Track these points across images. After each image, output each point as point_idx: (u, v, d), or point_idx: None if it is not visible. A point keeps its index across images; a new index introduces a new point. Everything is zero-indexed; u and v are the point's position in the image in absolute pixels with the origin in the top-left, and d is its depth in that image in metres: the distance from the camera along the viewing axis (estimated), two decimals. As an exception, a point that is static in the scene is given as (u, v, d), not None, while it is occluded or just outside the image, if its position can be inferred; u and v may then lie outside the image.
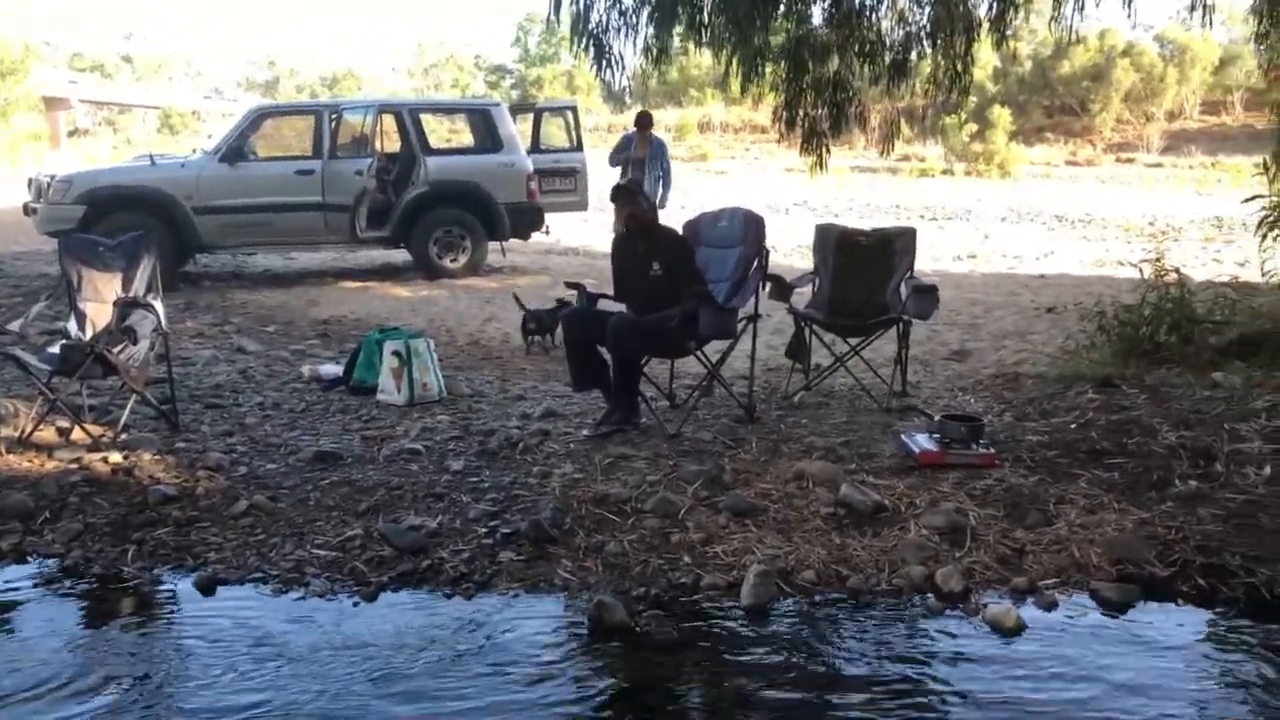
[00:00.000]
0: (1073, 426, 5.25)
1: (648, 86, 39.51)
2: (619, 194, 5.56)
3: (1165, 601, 3.71)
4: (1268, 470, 4.53)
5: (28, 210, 10.92)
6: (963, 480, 4.56)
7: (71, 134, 41.25)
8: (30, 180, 11.35)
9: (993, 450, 4.83)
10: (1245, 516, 4.16)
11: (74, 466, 4.71)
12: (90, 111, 49.77)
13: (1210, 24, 7.33)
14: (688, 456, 4.87)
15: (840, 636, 3.49)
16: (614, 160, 11.03)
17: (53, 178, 10.74)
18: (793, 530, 4.12)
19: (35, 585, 3.81)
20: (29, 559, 3.99)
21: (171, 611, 3.71)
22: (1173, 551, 3.92)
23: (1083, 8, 6.83)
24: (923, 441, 4.86)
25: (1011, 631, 3.47)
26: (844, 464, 4.78)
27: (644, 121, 11.14)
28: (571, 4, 6.54)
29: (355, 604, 3.66)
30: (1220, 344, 6.26)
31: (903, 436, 5.04)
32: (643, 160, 10.71)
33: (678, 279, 5.31)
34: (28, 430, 5.05)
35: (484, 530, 4.10)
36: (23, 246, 12.80)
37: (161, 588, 3.81)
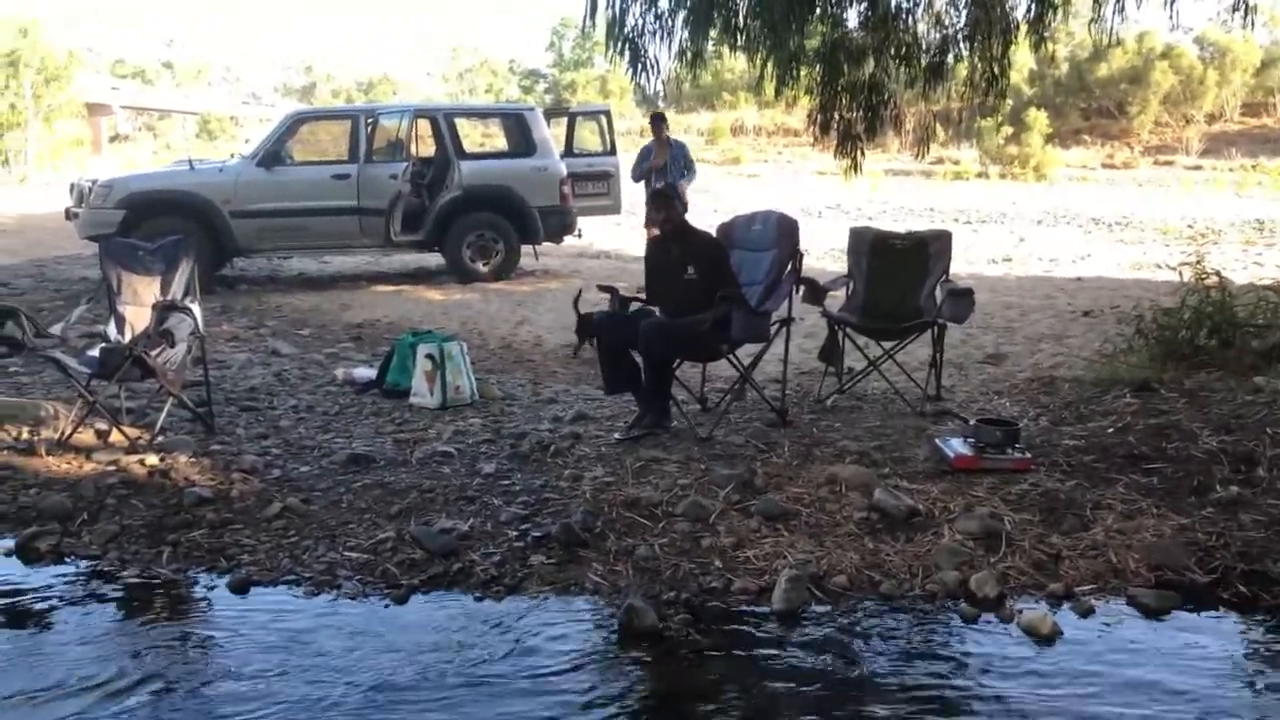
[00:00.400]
0: (1110, 431, 5.18)
1: (681, 90, 39.50)
2: (656, 199, 5.58)
3: (1205, 609, 3.65)
4: (1312, 476, 4.45)
5: (69, 215, 11.09)
6: (998, 485, 4.51)
7: (113, 139, 41.85)
8: (72, 185, 11.53)
9: (1028, 455, 4.78)
10: (1288, 523, 4.08)
11: (111, 468, 4.77)
12: (131, 117, 50.48)
13: (1253, 25, 7.21)
14: (719, 460, 4.85)
15: (872, 642, 3.46)
16: (636, 174, 10.98)
17: (94, 183, 10.90)
18: (825, 535, 4.09)
19: (72, 586, 3.85)
20: (66, 560, 4.04)
21: (205, 613, 3.74)
22: (1213, 558, 3.86)
23: (1123, 9, 6.74)
24: (957, 446, 4.82)
25: (1047, 638, 3.42)
26: (877, 468, 4.74)
27: (657, 124, 10.96)
28: (607, 8, 6.54)
29: (386, 606, 3.67)
30: (1262, 348, 6.15)
31: (937, 441, 4.99)
32: (664, 167, 10.53)
33: (712, 283, 5.30)
34: (67, 432, 5.13)
35: (515, 533, 4.11)
36: (65, 251, 13.00)
37: (195, 589, 3.84)
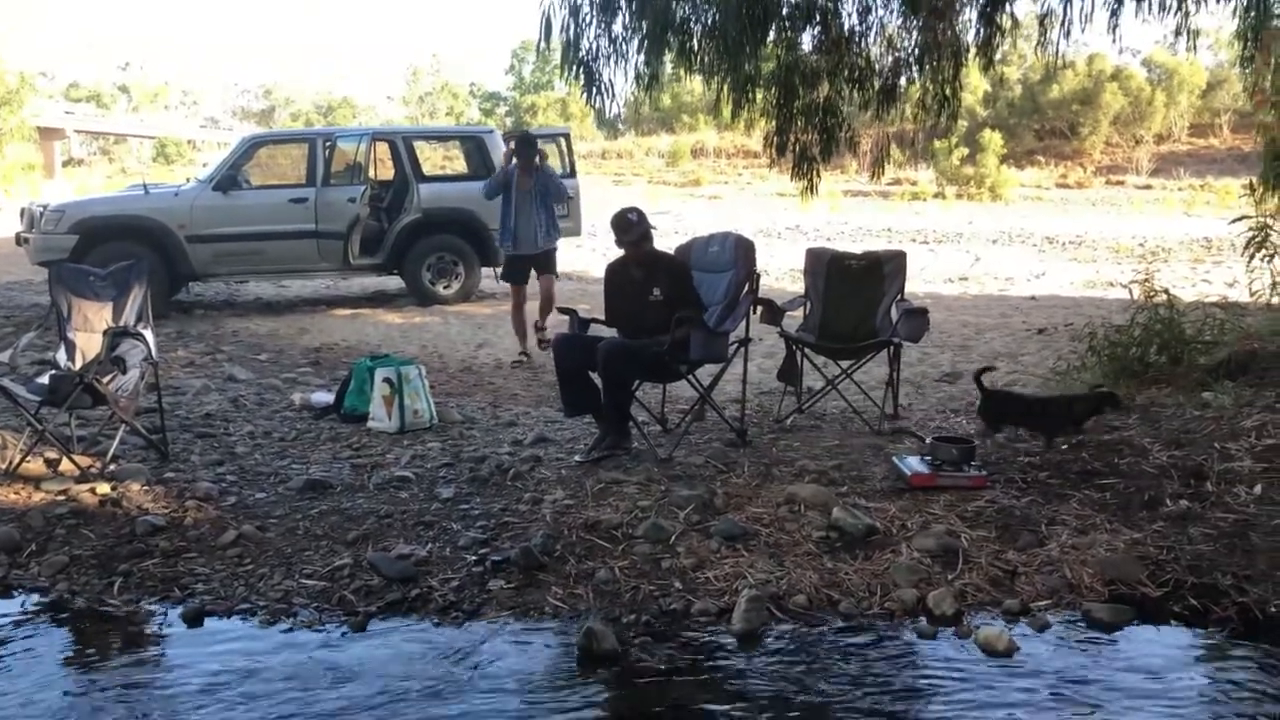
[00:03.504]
0: (1064, 447, 5.24)
1: (639, 113, 39.76)
2: (622, 222, 5.50)
3: (1158, 622, 3.70)
4: (1258, 489, 4.53)
5: (20, 240, 10.94)
6: (954, 502, 4.55)
7: (66, 164, 41.37)
8: (23, 210, 11.37)
9: (984, 472, 4.82)
10: (1236, 536, 4.15)
11: (61, 498, 4.68)
12: (85, 141, 49.92)
13: (1195, 48, 7.39)
14: (679, 481, 4.86)
15: (832, 662, 3.47)
16: (489, 191, 8.66)
17: (45, 208, 10.77)
18: (784, 554, 4.10)
19: (20, 620, 3.77)
20: (14, 593, 3.95)
21: (158, 645, 3.67)
22: (1165, 571, 3.91)
23: (1069, 33, 6.89)
24: (914, 464, 4.85)
25: (1004, 653, 3.44)
26: (836, 487, 4.77)
27: (522, 149, 8.31)
28: (562, 31, 6.58)
29: (344, 634, 3.63)
30: (1210, 364, 6.27)
31: (894, 459, 5.03)
32: (528, 194, 8.29)
33: (678, 304, 5.31)
34: (15, 461, 5.03)
35: (474, 558, 4.08)
36: (15, 276, 12.81)
37: (148, 621, 3.77)
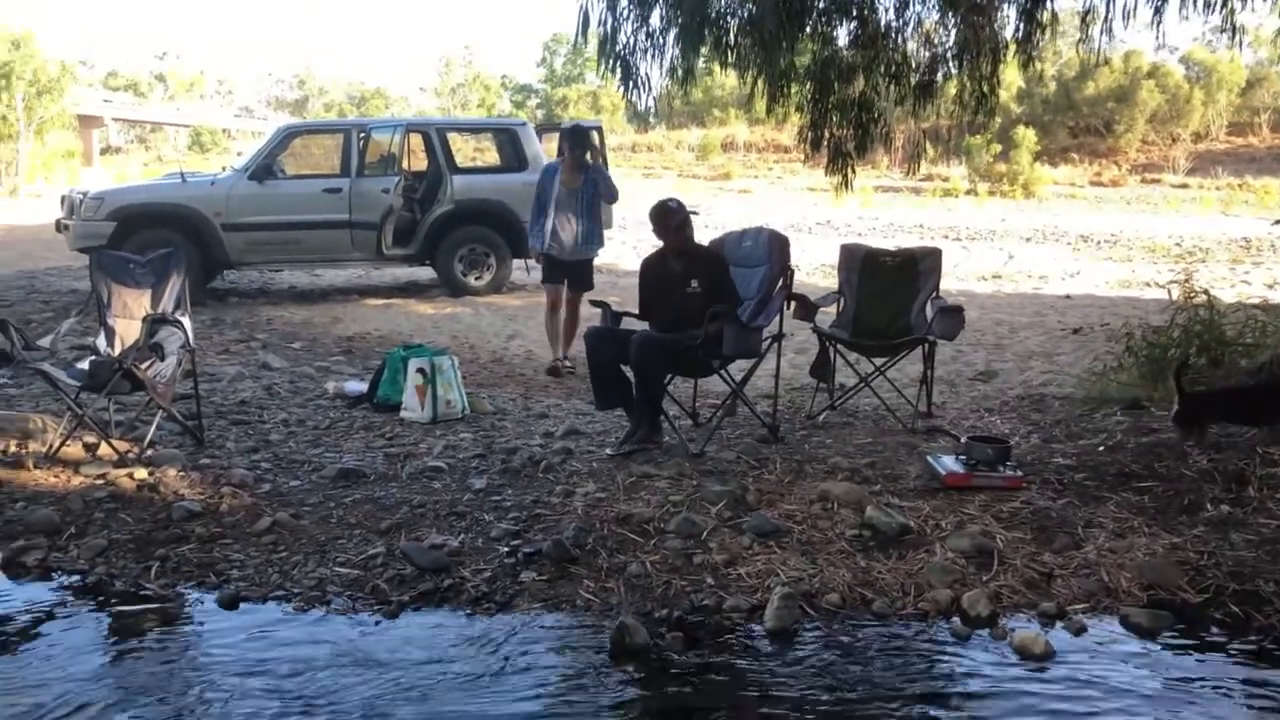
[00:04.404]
0: (1101, 449, 5.19)
1: (672, 106, 39.66)
2: (662, 211, 5.48)
3: (1197, 628, 3.64)
4: (1302, 495, 4.46)
5: (60, 227, 11.07)
6: (989, 503, 4.51)
7: (104, 151, 41.85)
8: (63, 198, 11.51)
9: (1020, 473, 4.78)
10: (1279, 542, 4.08)
11: (100, 482, 4.74)
12: (123, 129, 50.45)
13: (1240, 45, 7.26)
14: (711, 476, 4.85)
15: (864, 661, 3.44)
16: (534, 230, 7.77)
17: (85, 195, 10.89)
18: (817, 552, 4.08)
19: (59, 602, 3.81)
20: (53, 575, 4.00)
21: (193, 629, 3.70)
22: (1205, 577, 3.86)
23: (1110, 30, 6.79)
24: (949, 463, 4.82)
25: (1040, 657, 3.41)
26: (869, 485, 4.74)
27: (572, 141, 7.72)
28: (599, 26, 6.56)
29: (377, 623, 3.64)
30: (1251, 367, 6.18)
31: (928, 458, 4.99)
32: (576, 194, 7.59)
33: (716, 297, 5.30)
34: (55, 445, 5.09)
35: (506, 549, 4.09)
36: (54, 263, 12.97)
37: (184, 605, 3.81)
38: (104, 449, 5.14)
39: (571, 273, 7.71)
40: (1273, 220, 7.36)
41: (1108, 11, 6.69)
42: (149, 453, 5.10)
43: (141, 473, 4.83)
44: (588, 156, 7.53)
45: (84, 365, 5.31)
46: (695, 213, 5.66)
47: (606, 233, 8.42)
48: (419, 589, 3.83)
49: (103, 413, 5.53)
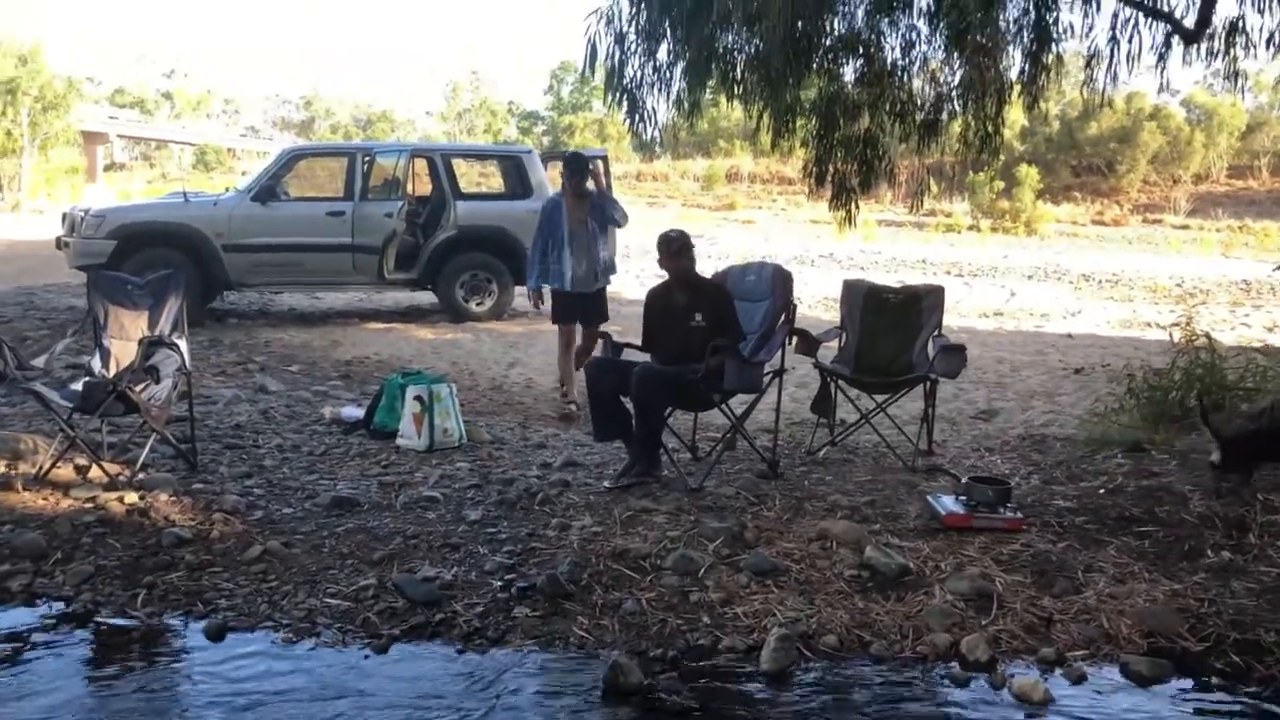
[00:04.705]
0: (1101, 492, 5.15)
1: (677, 137, 39.86)
2: (665, 240, 5.48)
3: (1198, 678, 3.59)
4: (1304, 544, 4.41)
5: (60, 244, 11.06)
6: (989, 545, 4.46)
7: (108, 168, 41.95)
8: (64, 215, 11.51)
9: (1020, 514, 4.73)
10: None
11: (89, 506, 4.67)
12: (128, 146, 50.62)
13: (1242, 91, 7.30)
14: (709, 512, 4.80)
15: (861, 707, 3.39)
16: (533, 259, 7.40)
17: (86, 212, 10.88)
18: (815, 592, 4.03)
19: (42, 629, 3.74)
20: (38, 601, 3.93)
21: (179, 660, 3.63)
22: (1205, 625, 3.81)
23: (1115, 76, 6.82)
24: (949, 504, 4.77)
25: (1038, 704, 3.36)
26: (868, 524, 4.69)
27: (571, 169, 7.27)
28: (606, 59, 6.58)
29: (366, 656, 3.58)
30: (1252, 411, 6.13)
31: (928, 498, 4.95)
32: (583, 224, 7.15)
33: (720, 330, 5.28)
34: (46, 467, 5.04)
35: (499, 583, 4.03)
36: (53, 280, 12.95)
37: (170, 634, 3.74)
38: (95, 471, 5.08)
39: (588, 305, 7.24)
40: (1274, 266, 7.38)
41: (1112, 56, 6.72)
42: (140, 476, 5.04)
43: (132, 497, 4.77)
44: (589, 184, 7.19)
45: (77, 386, 5.26)
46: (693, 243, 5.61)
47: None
48: (410, 622, 3.77)
49: (95, 434, 5.48)
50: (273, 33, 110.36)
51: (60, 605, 3.89)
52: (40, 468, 5.05)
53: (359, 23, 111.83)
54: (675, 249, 5.45)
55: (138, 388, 5.05)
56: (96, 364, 5.46)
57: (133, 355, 5.27)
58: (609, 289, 7.52)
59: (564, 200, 7.24)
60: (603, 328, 6.52)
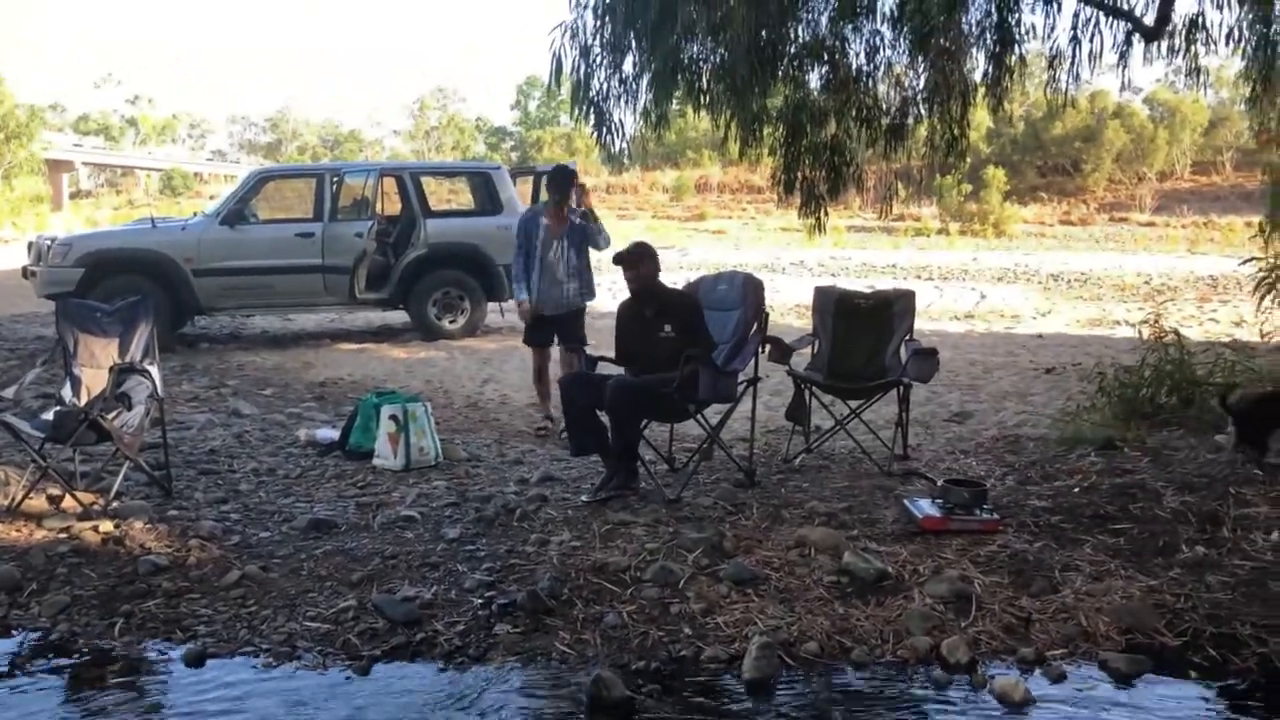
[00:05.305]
0: (1076, 490, 5.20)
1: (646, 149, 39.95)
2: (624, 258, 5.49)
3: (1176, 673, 3.62)
4: (1275, 536, 4.48)
5: (26, 273, 10.95)
6: (966, 546, 4.49)
7: (74, 196, 41.62)
8: (30, 244, 11.40)
9: (996, 516, 4.77)
10: (1255, 584, 4.09)
11: (63, 536, 4.63)
12: (93, 173, 50.24)
13: (1206, 90, 7.42)
14: (687, 523, 4.80)
15: (844, 712, 3.40)
16: (518, 273, 7.11)
17: (53, 241, 10.79)
18: (795, 599, 4.04)
19: (18, 661, 3.70)
20: (14, 632, 3.89)
21: (159, 687, 3.60)
22: (1182, 620, 3.85)
23: (1078, 76, 6.90)
24: (925, 507, 4.80)
25: (1019, 704, 3.38)
26: (846, 530, 4.71)
27: (554, 185, 7.08)
28: (572, 73, 6.59)
29: (347, 678, 3.56)
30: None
31: (905, 502, 4.98)
32: (558, 242, 6.93)
33: (689, 341, 5.28)
34: (18, 498, 4.98)
35: (480, 601, 4.02)
36: (20, 310, 12.82)
37: (149, 662, 3.71)
38: (68, 501, 5.03)
39: (563, 327, 7.01)
40: (1240, 260, 7.48)
41: (1074, 56, 6.81)
42: (115, 505, 4.99)
43: (107, 525, 4.72)
44: (571, 200, 6.92)
45: (49, 415, 5.22)
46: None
47: None
48: (391, 643, 3.75)
49: (68, 464, 5.43)
50: (273, 33, 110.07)
51: (37, 636, 3.85)
52: (13, 499, 4.99)
53: (359, 23, 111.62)
54: (633, 260, 5.47)
55: (110, 416, 5.00)
56: (67, 393, 5.41)
57: (104, 383, 5.22)
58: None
59: (542, 216, 7.05)
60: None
